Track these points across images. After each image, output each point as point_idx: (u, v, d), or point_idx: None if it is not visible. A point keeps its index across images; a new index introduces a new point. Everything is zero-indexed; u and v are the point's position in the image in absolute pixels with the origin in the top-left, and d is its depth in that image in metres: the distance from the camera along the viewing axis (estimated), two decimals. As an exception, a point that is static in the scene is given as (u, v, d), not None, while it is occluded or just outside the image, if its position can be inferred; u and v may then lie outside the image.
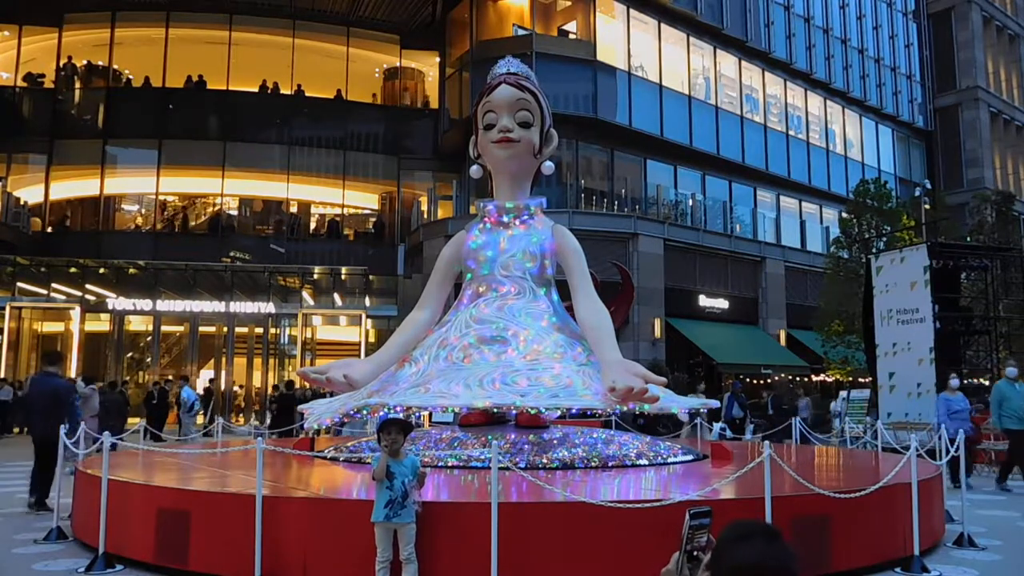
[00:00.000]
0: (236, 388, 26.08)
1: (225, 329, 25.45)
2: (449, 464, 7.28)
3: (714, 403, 8.59)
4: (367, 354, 19.13)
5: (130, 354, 26.56)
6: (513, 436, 7.64)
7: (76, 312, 24.46)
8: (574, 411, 7.46)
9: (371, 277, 25.94)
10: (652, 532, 5.17)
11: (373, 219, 31.23)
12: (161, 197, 28.88)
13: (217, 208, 29.03)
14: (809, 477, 6.54)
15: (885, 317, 16.55)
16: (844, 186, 33.12)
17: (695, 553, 1.96)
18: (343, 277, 26.04)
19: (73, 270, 25.04)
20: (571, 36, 27.52)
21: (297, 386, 18.40)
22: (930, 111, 39.98)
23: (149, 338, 25.82)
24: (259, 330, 26.00)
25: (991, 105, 39.77)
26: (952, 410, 11.66)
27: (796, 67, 32.86)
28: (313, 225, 30.47)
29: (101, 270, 24.97)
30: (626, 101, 26.95)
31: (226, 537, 5.73)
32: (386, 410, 6.80)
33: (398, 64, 30.80)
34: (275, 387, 22.77)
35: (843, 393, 19.90)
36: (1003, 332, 19.53)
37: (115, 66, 29.14)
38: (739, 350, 26.75)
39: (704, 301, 27.51)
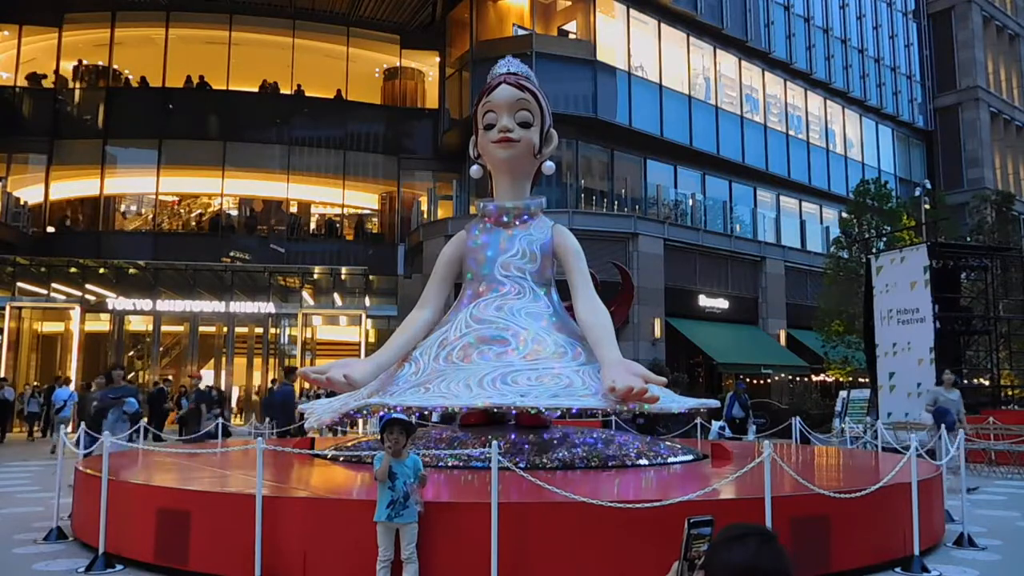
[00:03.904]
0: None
1: (225, 329, 25.46)
2: (449, 464, 7.29)
3: (714, 403, 8.58)
4: (367, 354, 19.12)
5: (132, 352, 26.58)
6: (513, 436, 7.64)
7: (76, 312, 24.46)
8: (574, 411, 7.46)
9: (371, 277, 25.94)
10: (652, 532, 5.17)
11: (373, 219, 31.24)
12: (161, 197, 28.90)
13: (217, 208, 29.04)
14: (809, 477, 6.55)
15: (885, 317, 16.57)
16: (844, 186, 33.13)
17: (695, 562, 1.96)
18: (343, 277, 26.04)
19: (73, 270, 25.05)
20: (571, 36, 27.53)
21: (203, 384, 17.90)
22: (930, 111, 39.98)
23: (149, 338, 25.83)
24: (259, 330, 26.02)
25: (991, 105, 39.76)
26: None
27: (796, 67, 32.87)
28: (313, 225, 30.48)
29: (101, 270, 24.97)
30: (626, 101, 26.95)
31: (226, 537, 5.73)
32: (386, 410, 6.80)
33: (398, 64, 30.81)
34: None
35: (843, 393, 19.89)
36: (1003, 332, 19.54)
37: (115, 66, 29.14)
38: (739, 350, 26.75)
39: (704, 301, 27.51)
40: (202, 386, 18.18)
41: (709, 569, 1.75)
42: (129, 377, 24.57)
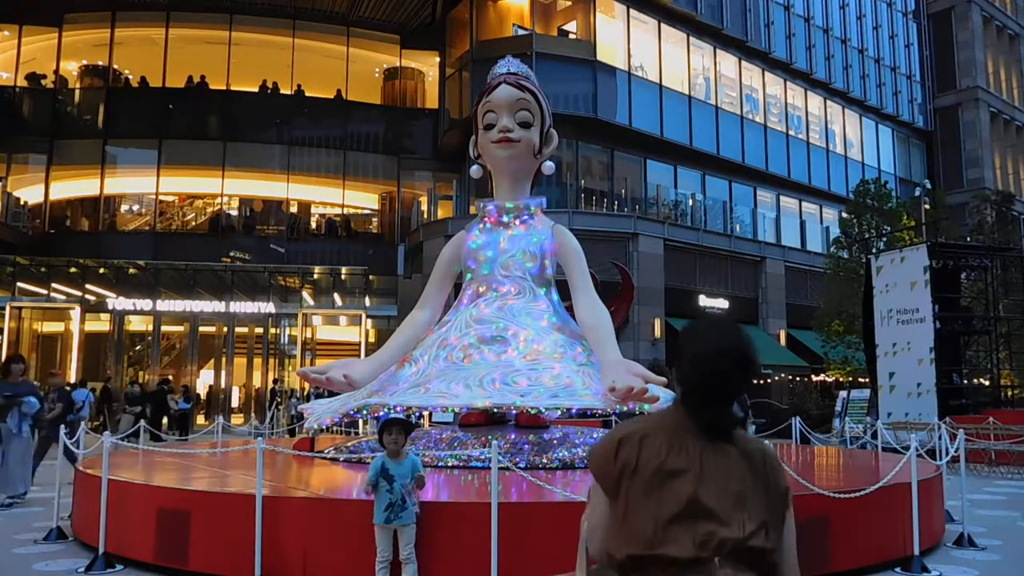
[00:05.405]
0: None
1: (225, 329, 25.46)
2: (449, 464, 7.29)
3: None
4: (367, 354, 19.12)
5: (136, 348, 26.60)
6: (513, 436, 7.64)
7: (76, 312, 24.46)
8: (574, 411, 7.46)
9: (371, 277, 25.94)
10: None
11: (373, 219, 31.23)
12: (161, 197, 28.90)
13: (217, 208, 29.03)
14: (809, 477, 6.54)
15: (885, 317, 16.57)
16: (844, 186, 33.13)
17: None
18: (343, 277, 26.04)
19: (73, 270, 25.04)
20: (571, 36, 27.53)
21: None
22: (930, 111, 39.97)
23: (149, 338, 25.83)
24: (259, 330, 26.01)
25: (991, 105, 39.76)
26: None
27: (796, 67, 32.86)
28: (313, 225, 30.49)
29: (101, 270, 24.96)
30: (626, 101, 26.95)
31: (226, 537, 5.73)
32: (386, 410, 6.80)
33: (398, 64, 30.81)
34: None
35: (843, 393, 19.88)
36: (1003, 332, 19.53)
37: (115, 66, 29.14)
38: (739, 350, 26.68)
39: (704, 301, 27.50)
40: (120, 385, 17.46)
41: (678, 360, 1.81)
42: (127, 379, 24.88)
